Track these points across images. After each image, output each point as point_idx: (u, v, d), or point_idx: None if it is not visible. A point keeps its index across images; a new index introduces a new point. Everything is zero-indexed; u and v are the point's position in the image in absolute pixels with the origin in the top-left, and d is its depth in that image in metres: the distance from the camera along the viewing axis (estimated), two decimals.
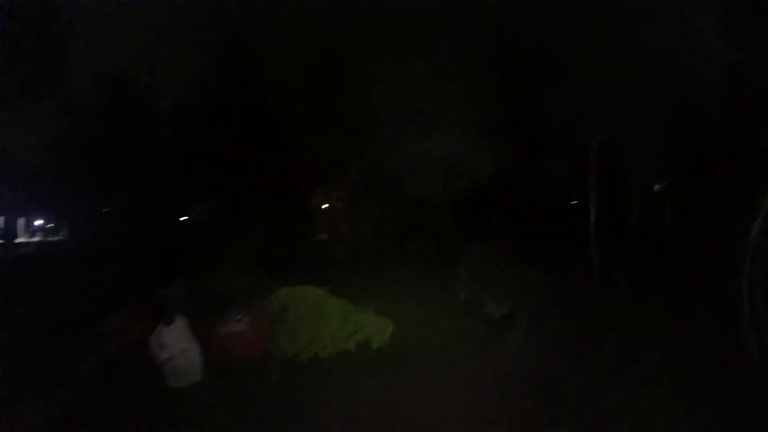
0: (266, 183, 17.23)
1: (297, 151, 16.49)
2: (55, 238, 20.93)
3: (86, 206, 17.28)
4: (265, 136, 16.57)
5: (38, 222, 21.73)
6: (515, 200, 17.69)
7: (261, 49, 16.19)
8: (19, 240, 20.57)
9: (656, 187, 15.88)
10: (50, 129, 15.57)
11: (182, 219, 19.57)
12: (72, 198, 17.05)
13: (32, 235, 21.57)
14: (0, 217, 19.38)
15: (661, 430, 6.07)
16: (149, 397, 7.18)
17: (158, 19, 14.60)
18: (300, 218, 19.37)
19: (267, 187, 17.31)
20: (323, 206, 21.29)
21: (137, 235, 16.23)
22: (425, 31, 14.11)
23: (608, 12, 11.78)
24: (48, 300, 11.17)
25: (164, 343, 6.76)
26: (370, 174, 17.64)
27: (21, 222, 21.16)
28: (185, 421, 6.73)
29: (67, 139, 15.74)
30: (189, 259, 12.85)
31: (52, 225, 21.45)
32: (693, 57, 11.19)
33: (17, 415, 7.46)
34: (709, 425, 5.77)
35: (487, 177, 16.39)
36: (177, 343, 6.78)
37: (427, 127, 14.90)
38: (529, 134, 15.83)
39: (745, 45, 11.29)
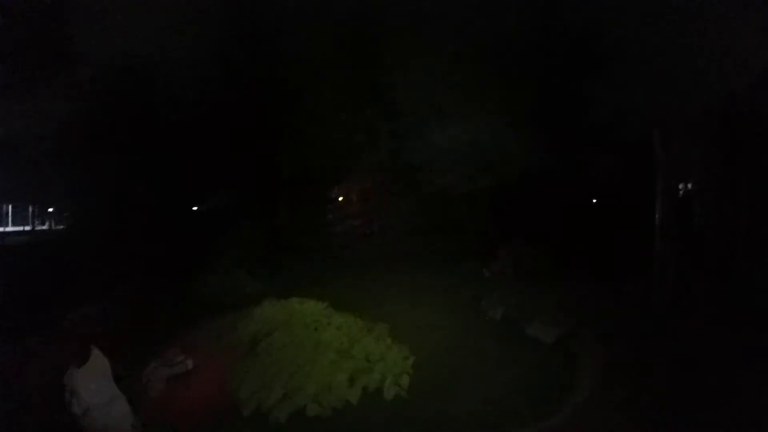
0: (270, 171, 16.09)
1: (310, 140, 15.73)
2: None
3: None
4: (275, 124, 15.51)
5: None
6: (563, 198, 15.70)
7: (276, 33, 14.66)
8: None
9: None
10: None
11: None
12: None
13: None
14: None
15: None
16: None
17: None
18: (306, 210, 17.34)
19: (271, 175, 16.17)
20: (339, 198, 19.97)
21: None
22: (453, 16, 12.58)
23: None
24: None
25: (77, 391, 4.53)
26: (391, 165, 16.42)
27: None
28: None
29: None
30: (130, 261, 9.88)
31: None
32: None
33: None
34: None
35: (522, 171, 14.23)
36: (94, 393, 4.58)
37: (458, 117, 13.48)
38: (575, 127, 13.27)
39: None
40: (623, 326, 9.39)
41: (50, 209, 18.46)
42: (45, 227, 19.00)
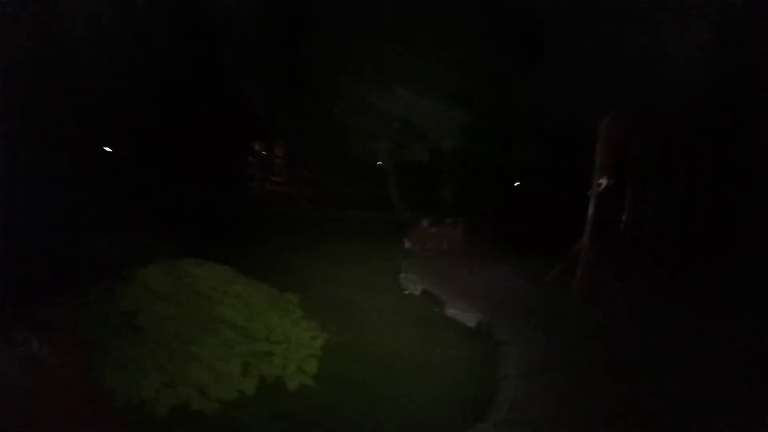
0: (190, 126, 15.05)
1: (236, 97, 15.10)
2: None
3: None
4: (198, 78, 14.46)
5: None
6: (490, 177, 15.64)
7: None
8: None
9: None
10: None
11: None
12: None
13: None
14: None
15: None
16: None
17: None
18: (227, 170, 16.27)
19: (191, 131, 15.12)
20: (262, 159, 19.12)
21: None
22: None
23: None
24: None
25: None
26: (316, 129, 16.26)
27: None
28: None
29: None
30: None
31: None
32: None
33: None
34: None
35: (456, 146, 14.74)
36: None
37: (387, 85, 13.56)
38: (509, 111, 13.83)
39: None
40: (547, 314, 8.99)
41: None
42: None
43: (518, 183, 16.32)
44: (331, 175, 17.65)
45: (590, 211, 10.35)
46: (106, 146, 14.81)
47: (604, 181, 10.53)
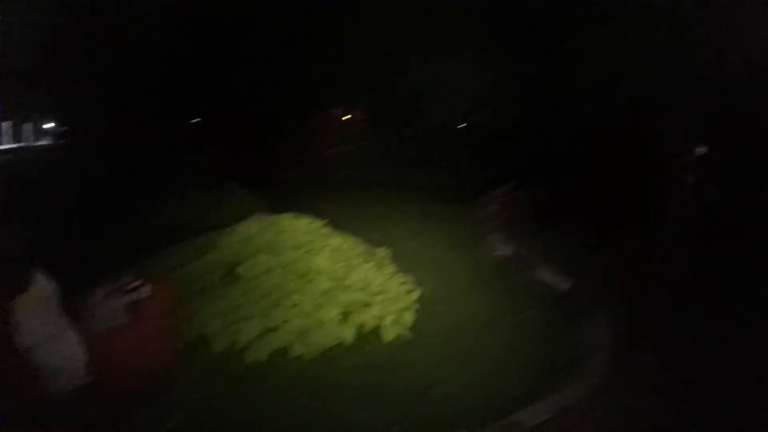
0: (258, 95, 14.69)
1: (297, 68, 14.74)
2: None
3: None
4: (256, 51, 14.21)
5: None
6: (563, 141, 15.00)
7: None
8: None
9: None
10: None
11: None
12: None
13: None
14: None
15: None
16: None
17: None
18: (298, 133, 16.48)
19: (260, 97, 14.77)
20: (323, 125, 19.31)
21: None
22: None
23: None
24: None
25: (18, 323, 3.58)
26: (378, 96, 16.53)
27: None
28: None
29: None
30: None
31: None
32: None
33: None
34: None
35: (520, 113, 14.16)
36: (38, 326, 3.65)
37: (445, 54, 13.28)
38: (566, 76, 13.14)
39: None
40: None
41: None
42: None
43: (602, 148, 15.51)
44: (403, 140, 17.71)
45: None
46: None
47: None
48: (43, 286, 3.75)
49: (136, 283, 4.32)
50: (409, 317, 5.80)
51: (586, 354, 5.54)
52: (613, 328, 6.24)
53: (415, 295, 6.41)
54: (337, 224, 7.96)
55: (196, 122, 16.17)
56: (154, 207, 8.79)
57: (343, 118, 19.51)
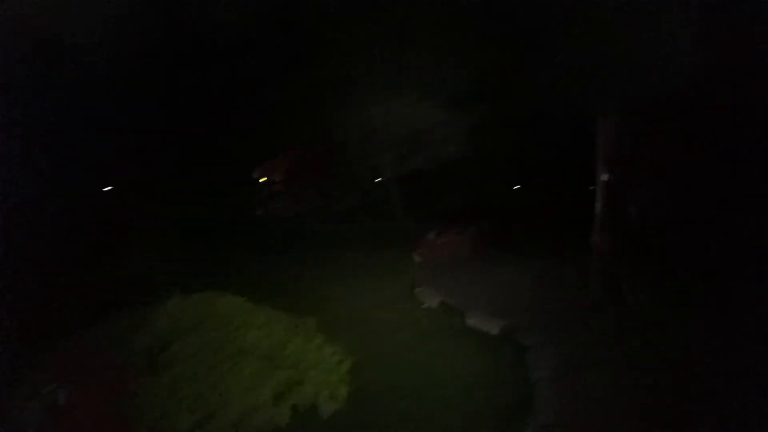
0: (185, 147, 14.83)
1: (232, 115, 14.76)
2: None
3: None
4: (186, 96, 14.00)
5: None
6: (494, 180, 15.56)
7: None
8: None
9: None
10: None
11: None
12: None
13: None
14: None
15: None
16: None
17: None
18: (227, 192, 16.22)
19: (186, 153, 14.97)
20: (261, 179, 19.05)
21: None
22: None
23: None
24: None
25: None
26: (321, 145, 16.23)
27: None
28: None
29: None
30: None
31: None
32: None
33: None
34: None
35: (458, 152, 13.98)
36: None
37: (385, 94, 12.96)
38: (515, 107, 12.78)
39: None
40: (568, 313, 8.96)
41: None
42: None
43: (521, 185, 16.27)
44: (336, 189, 17.66)
45: (598, 205, 10.32)
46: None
47: (607, 176, 10.54)
48: None
49: (49, 388, 4.07)
50: (344, 390, 5.76)
51: (532, 393, 5.67)
52: (554, 364, 6.45)
53: (347, 364, 6.37)
54: (262, 290, 7.87)
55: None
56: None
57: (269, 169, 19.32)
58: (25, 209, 10.43)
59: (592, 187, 10.54)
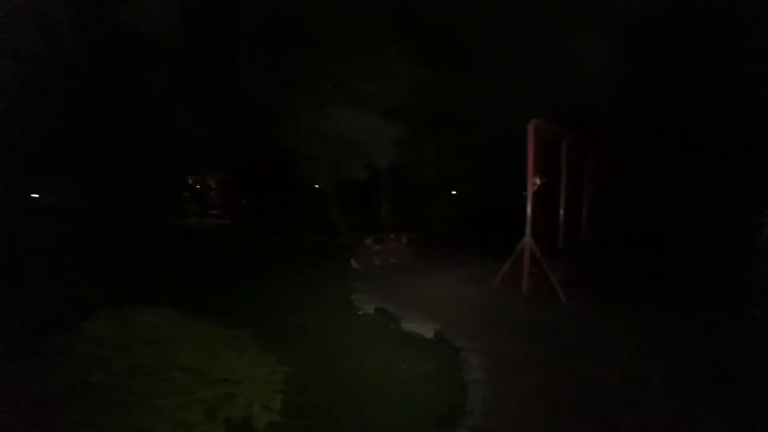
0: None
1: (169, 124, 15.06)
2: None
3: None
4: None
5: None
6: (428, 189, 16.16)
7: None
8: None
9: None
10: None
11: None
12: None
13: None
14: None
15: None
16: None
17: None
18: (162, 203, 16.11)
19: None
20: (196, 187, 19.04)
21: None
22: None
23: None
24: None
25: None
26: (255, 155, 16.61)
27: None
28: None
29: None
30: None
31: None
32: None
33: None
34: None
35: (390, 162, 14.87)
36: None
37: (320, 107, 13.59)
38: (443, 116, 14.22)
39: None
40: (501, 315, 9.35)
41: None
42: None
43: (455, 192, 16.78)
44: (271, 201, 17.64)
45: (528, 210, 10.77)
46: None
47: (538, 180, 11.04)
48: None
49: None
50: (278, 400, 5.76)
51: (465, 394, 5.83)
52: (486, 365, 6.67)
53: (281, 374, 6.38)
54: (196, 306, 7.76)
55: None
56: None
57: (204, 184, 19.12)
58: None
59: (523, 192, 11.04)
